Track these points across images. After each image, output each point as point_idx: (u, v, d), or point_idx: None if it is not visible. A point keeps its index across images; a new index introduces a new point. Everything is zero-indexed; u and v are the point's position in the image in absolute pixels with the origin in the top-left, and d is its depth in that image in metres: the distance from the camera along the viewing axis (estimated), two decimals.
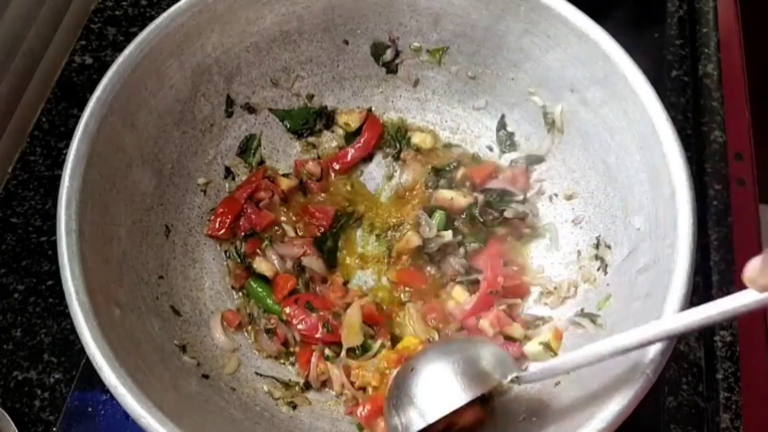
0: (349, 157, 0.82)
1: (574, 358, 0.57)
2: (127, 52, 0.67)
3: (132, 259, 0.67)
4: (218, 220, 0.75)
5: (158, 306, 0.68)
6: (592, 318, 0.66)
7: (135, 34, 0.68)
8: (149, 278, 0.68)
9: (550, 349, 0.69)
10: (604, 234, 0.71)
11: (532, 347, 0.70)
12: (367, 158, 0.83)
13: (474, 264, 0.75)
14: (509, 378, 0.60)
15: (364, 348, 0.71)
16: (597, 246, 0.71)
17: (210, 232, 0.75)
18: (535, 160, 0.78)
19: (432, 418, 0.59)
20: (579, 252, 0.73)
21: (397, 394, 0.61)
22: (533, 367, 0.64)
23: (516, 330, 0.71)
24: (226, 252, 0.76)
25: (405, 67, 0.81)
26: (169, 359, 0.64)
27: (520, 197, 0.77)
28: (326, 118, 0.83)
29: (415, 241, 0.75)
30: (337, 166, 0.82)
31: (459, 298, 0.74)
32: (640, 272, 0.63)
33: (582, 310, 0.69)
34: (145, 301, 0.66)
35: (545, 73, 0.74)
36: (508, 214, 0.77)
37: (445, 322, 0.73)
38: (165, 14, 0.69)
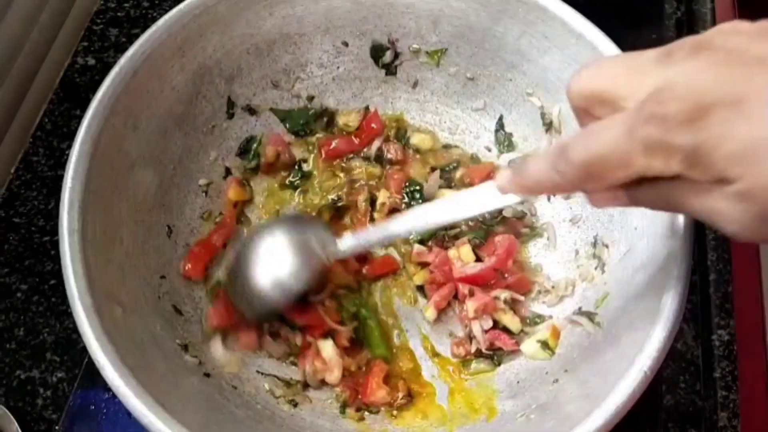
0: (333, 144, 0.82)
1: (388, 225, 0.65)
2: (128, 54, 0.67)
3: (134, 259, 0.67)
4: (191, 262, 0.73)
5: (160, 306, 0.68)
6: (590, 316, 0.67)
7: (137, 36, 0.68)
8: (151, 278, 0.69)
9: (547, 348, 0.69)
10: (601, 233, 0.71)
11: (529, 346, 0.70)
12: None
13: (479, 253, 0.76)
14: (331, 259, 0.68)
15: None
16: (595, 245, 0.71)
17: (184, 273, 0.73)
18: None
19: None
20: (577, 251, 0.73)
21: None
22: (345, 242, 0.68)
23: (514, 323, 0.72)
24: None
25: (404, 68, 0.81)
26: (171, 358, 0.64)
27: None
28: (327, 119, 0.83)
29: None
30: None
31: (466, 257, 0.75)
32: (637, 271, 0.63)
33: (580, 308, 0.69)
34: (147, 301, 0.66)
35: (543, 74, 0.74)
36: (506, 213, 0.77)
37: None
38: (166, 16, 0.69)
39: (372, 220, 0.79)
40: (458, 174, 0.80)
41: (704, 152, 0.36)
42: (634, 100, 0.40)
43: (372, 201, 0.80)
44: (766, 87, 0.36)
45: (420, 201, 0.79)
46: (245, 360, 0.71)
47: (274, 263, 0.68)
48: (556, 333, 0.70)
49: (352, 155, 0.82)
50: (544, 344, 0.69)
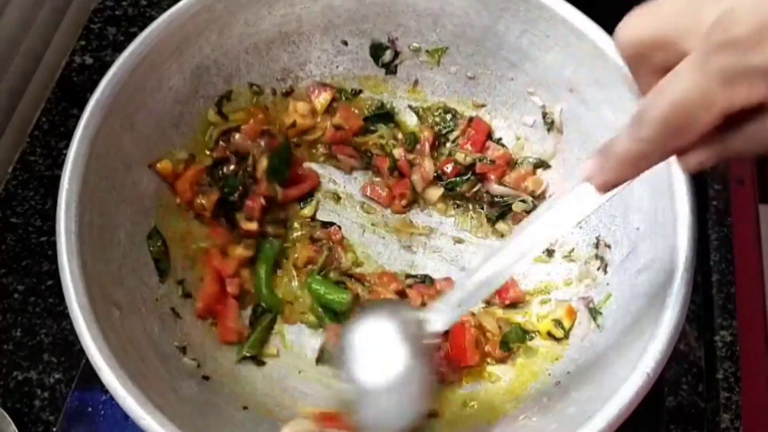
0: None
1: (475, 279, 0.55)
2: (126, 53, 0.67)
3: (132, 260, 0.67)
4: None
5: (158, 308, 0.68)
6: (594, 315, 0.67)
7: (135, 35, 0.68)
8: (149, 280, 0.68)
9: (561, 328, 0.69)
10: (603, 234, 0.71)
11: (542, 323, 0.70)
12: None
13: None
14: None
15: None
16: (597, 246, 0.71)
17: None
18: (539, 163, 0.79)
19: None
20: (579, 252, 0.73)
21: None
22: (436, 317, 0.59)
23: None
24: None
25: (404, 67, 0.80)
26: (169, 361, 0.64)
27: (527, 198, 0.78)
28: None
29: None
30: None
31: None
32: (640, 272, 0.63)
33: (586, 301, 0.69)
34: (145, 303, 0.66)
35: (544, 73, 0.73)
36: (516, 207, 0.78)
37: None
38: (164, 15, 0.68)
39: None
40: (454, 135, 0.80)
41: None
42: (696, 37, 0.37)
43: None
44: None
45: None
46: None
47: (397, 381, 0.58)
48: (571, 313, 0.69)
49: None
50: (558, 323, 0.69)
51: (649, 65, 0.41)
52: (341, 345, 0.61)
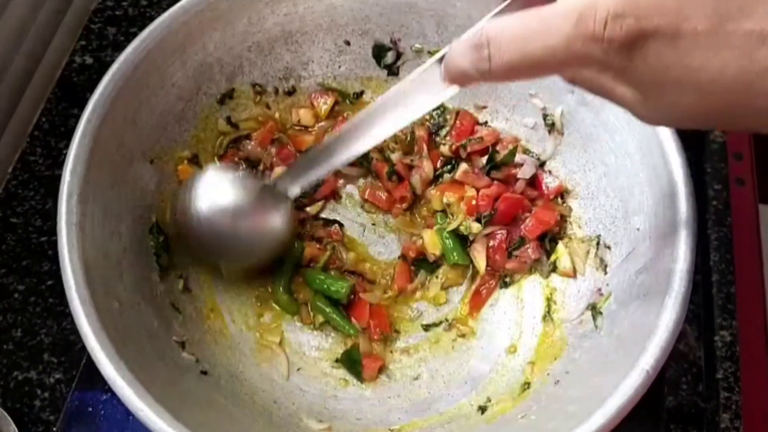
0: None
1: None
2: (130, 49, 0.67)
3: (132, 255, 0.67)
4: None
5: (158, 302, 0.68)
6: (594, 315, 0.67)
7: (135, 35, 0.68)
8: (149, 274, 0.68)
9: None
10: (604, 234, 0.71)
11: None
12: None
13: None
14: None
15: None
16: (597, 246, 0.71)
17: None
18: (539, 164, 0.79)
19: None
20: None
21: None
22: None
23: None
24: None
25: (406, 68, 0.81)
26: (168, 355, 0.64)
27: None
28: None
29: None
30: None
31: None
32: (639, 272, 0.63)
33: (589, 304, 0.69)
34: (144, 297, 0.66)
35: None
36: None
37: None
38: (168, 12, 0.69)
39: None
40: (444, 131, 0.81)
41: (633, 70, 0.40)
42: None
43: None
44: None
45: None
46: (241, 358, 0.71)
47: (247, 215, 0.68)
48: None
49: None
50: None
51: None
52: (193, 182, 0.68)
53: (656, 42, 0.38)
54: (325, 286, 0.74)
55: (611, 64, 0.40)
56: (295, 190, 0.68)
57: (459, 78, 0.49)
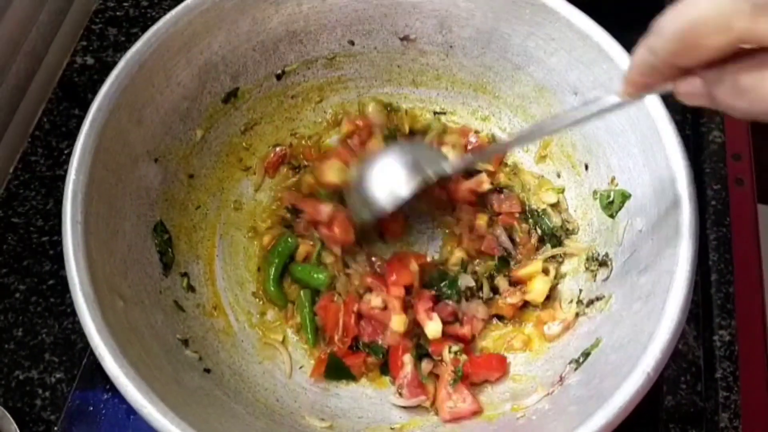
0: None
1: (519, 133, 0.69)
2: (135, 48, 0.67)
3: (136, 253, 0.67)
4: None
5: (161, 300, 0.68)
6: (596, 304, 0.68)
7: (136, 35, 0.69)
8: (153, 272, 0.68)
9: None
10: (606, 238, 0.71)
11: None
12: None
13: None
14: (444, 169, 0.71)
15: None
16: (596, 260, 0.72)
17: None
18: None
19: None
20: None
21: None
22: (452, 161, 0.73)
23: None
24: None
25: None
26: (171, 353, 0.64)
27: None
28: None
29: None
30: None
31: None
32: (641, 273, 0.63)
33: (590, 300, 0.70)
34: (148, 295, 0.66)
35: (549, 76, 0.74)
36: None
37: None
38: (173, 11, 0.69)
39: None
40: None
41: None
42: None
43: None
44: None
45: None
46: (243, 355, 0.71)
47: (385, 175, 0.72)
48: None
49: None
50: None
51: (697, 53, 0.41)
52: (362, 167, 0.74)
53: None
54: (308, 273, 0.75)
55: None
56: (451, 168, 0.72)
57: (636, 75, 0.47)
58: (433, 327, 0.70)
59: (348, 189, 0.75)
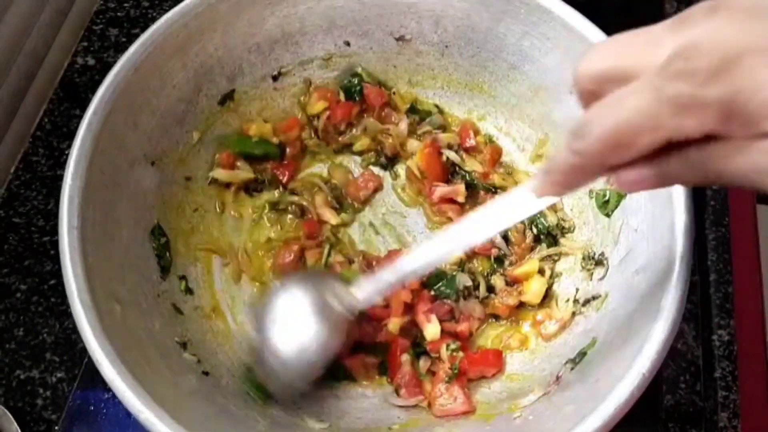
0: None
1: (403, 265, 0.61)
2: (130, 51, 0.67)
3: (134, 256, 0.67)
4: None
5: (159, 304, 0.68)
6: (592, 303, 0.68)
7: (137, 36, 0.68)
8: (150, 276, 0.68)
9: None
10: (601, 237, 0.71)
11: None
12: None
13: None
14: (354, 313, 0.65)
15: None
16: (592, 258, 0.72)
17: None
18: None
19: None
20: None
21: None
22: (362, 292, 0.64)
23: None
24: None
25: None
26: (169, 356, 0.64)
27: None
28: None
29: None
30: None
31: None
32: (637, 272, 0.63)
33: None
34: (146, 299, 0.66)
35: (544, 75, 0.74)
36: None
37: None
38: (168, 14, 0.69)
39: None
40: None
41: (740, 102, 0.35)
42: (653, 70, 0.37)
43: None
44: None
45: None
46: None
47: (298, 337, 0.64)
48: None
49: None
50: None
51: (629, 152, 0.40)
52: (264, 303, 0.66)
53: (749, 58, 0.34)
54: None
55: (709, 97, 0.35)
56: (366, 302, 0.65)
57: (557, 178, 0.45)
58: (432, 329, 0.70)
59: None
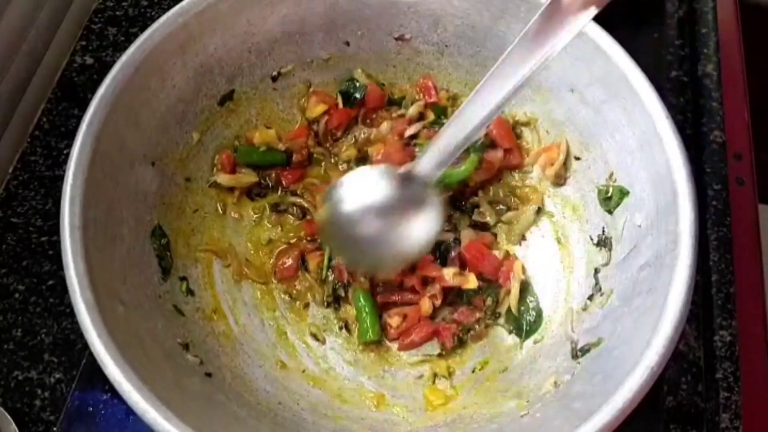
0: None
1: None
2: (130, 50, 0.67)
3: (135, 257, 0.67)
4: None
5: (161, 305, 0.68)
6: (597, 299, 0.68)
7: (136, 35, 0.69)
8: (152, 277, 0.68)
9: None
10: (607, 231, 0.71)
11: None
12: None
13: None
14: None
15: None
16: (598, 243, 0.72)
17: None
18: None
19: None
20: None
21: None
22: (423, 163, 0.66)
23: None
24: None
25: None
26: (172, 357, 0.64)
27: None
28: None
29: None
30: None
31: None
32: (641, 269, 0.63)
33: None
34: (148, 300, 0.66)
35: (545, 73, 0.73)
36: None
37: None
38: (168, 13, 0.69)
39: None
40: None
41: None
42: None
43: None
44: None
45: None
46: (245, 359, 0.71)
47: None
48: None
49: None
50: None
51: None
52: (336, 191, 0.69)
53: None
54: None
55: None
56: (437, 174, 0.67)
57: None
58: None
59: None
